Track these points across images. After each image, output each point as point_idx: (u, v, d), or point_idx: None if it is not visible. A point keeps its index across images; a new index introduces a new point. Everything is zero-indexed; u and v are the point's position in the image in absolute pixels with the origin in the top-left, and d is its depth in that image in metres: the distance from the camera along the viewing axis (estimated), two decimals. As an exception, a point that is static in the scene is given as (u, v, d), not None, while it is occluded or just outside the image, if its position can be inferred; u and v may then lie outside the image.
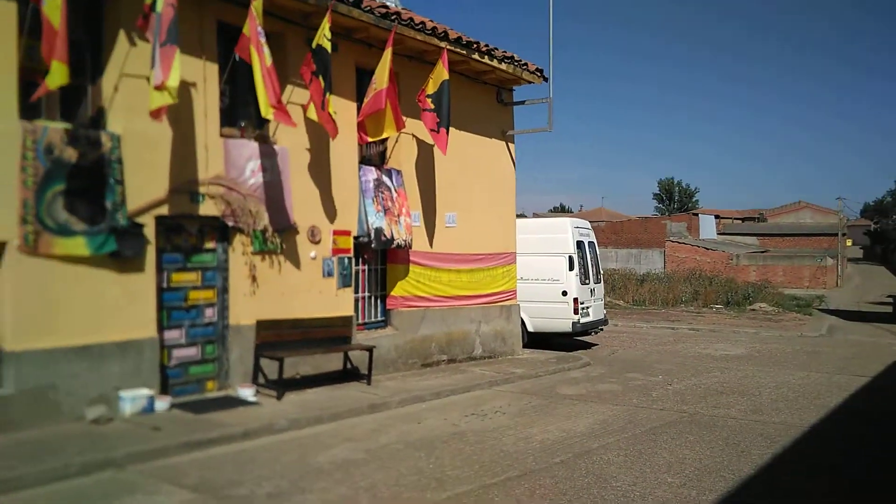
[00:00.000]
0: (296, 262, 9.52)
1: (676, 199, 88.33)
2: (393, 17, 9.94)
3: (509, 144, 13.42)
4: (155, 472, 5.99)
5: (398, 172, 10.98)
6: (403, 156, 11.25)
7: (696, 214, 55.39)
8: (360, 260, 10.80)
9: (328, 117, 8.91)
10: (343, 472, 6.13)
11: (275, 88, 8.09)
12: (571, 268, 14.23)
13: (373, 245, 10.35)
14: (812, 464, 6.79)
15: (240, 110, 9.18)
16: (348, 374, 10.03)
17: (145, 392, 7.67)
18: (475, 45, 11.50)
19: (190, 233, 8.61)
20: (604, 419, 8.29)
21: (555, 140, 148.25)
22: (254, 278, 9.02)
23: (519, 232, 14.11)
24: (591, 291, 14.94)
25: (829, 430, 8.15)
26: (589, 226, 15.86)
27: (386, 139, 11.06)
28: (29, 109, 7.02)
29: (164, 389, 8.18)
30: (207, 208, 8.53)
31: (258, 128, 9.24)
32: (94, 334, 7.39)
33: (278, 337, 9.18)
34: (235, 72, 8.68)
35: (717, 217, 58.31)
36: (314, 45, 8.99)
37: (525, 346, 14.16)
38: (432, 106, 10.44)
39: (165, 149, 8.06)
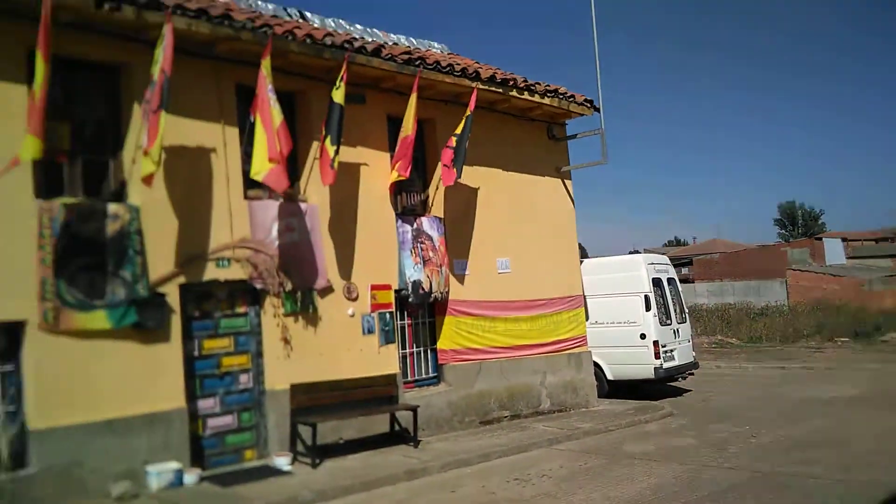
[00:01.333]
0: (332, 321, 9.21)
1: (800, 224, 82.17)
2: (417, 63, 9.66)
3: (566, 181, 12.69)
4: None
5: (440, 220, 10.54)
6: (447, 203, 10.80)
7: (820, 239, 51.04)
8: (406, 314, 10.36)
9: (325, 163, 8.65)
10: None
11: (283, 146, 7.92)
12: (648, 308, 13.10)
13: (410, 299, 9.90)
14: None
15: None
16: (395, 437, 9.49)
17: (173, 465, 7.49)
18: (511, 82, 10.98)
19: (219, 298, 8.52)
20: (660, 483, 7.22)
21: (661, 173, 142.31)
22: (287, 341, 8.77)
23: (588, 273, 13.25)
24: (675, 332, 13.66)
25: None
26: (667, 261, 14.66)
27: (427, 188, 10.74)
28: (51, 187, 7.25)
29: (200, 461, 7.98)
30: (234, 272, 8.43)
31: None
32: (119, 408, 7.31)
33: (315, 401, 8.81)
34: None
35: (843, 240, 53.39)
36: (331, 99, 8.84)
37: (606, 395, 13.10)
38: (455, 144, 10.01)
39: (187, 216, 8.05)
